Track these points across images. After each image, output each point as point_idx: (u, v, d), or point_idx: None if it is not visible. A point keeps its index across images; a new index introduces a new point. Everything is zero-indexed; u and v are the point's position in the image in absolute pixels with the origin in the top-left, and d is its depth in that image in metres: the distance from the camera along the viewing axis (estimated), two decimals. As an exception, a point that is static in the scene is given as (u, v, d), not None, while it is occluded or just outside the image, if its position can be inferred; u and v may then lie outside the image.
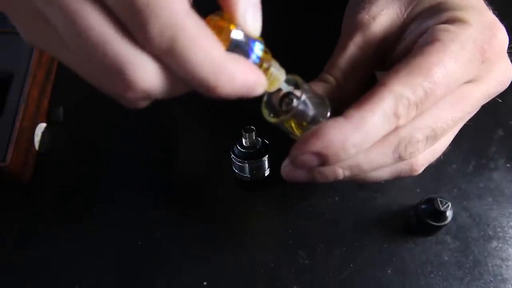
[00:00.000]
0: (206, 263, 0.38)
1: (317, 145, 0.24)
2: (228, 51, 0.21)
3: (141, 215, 0.41)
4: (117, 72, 0.19)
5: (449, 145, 0.32)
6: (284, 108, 0.26)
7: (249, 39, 0.22)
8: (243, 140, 0.37)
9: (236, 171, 0.40)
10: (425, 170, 0.31)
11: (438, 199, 0.36)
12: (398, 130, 0.26)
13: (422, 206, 0.37)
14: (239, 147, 0.37)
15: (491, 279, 0.37)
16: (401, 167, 0.29)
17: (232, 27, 0.21)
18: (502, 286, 0.36)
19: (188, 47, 0.19)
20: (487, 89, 0.28)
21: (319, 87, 0.29)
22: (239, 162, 0.38)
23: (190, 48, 0.19)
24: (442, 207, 0.36)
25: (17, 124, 0.40)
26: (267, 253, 0.38)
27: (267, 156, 0.38)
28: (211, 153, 0.44)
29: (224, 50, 0.21)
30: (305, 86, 0.26)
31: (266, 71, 0.23)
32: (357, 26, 0.30)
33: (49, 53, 0.22)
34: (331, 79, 0.29)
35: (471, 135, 0.32)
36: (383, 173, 0.29)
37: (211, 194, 0.42)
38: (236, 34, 0.21)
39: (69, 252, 0.39)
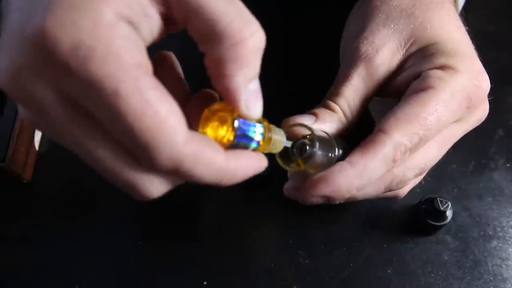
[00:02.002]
0: (206, 263, 0.38)
1: (326, 190, 0.27)
2: (234, 137, 0.23)
3: (141, 215, 0.41)
4: (130, 190, 0.22)
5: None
6: (296, 154, 0.28)
7: (250, 123, 0.24)
8: (243, 140, 0.37)
9: (236, 171, 0.40)
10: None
11: (438, 199, 0.36)
12: (392, 169, 0.29)
13: (422, 206, 0.37)
14: (239, 147, 0.37)
15: (491, 278, 0.37)
16: (388, 194, 0.33)
17: (234, 115, 0.23)
18: (502, 285, 0.36)
19: (191, 167, 0.21)
20: (467, 127, 0.32)
21: (327, 117, 0.31)
22: (239, 162, 0.38)
23: (194, 168, 0.21)
24: (442, 207, 0.36)
25: (17, 124, 0.40)
26: (267, 253, 0.38)
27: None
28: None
29: (224, 153, 0.22)
30: (316, 133, 0.28)
31: (269, 140, 0.25)
32: (360, 57, 0.32)
33: None
34: (337, 108, 0.31)
35: (471, 135, 0.33)
36: (370, 198, 0.32)
37: (211, 194, 0.41)
38: (239, 123, 0.23)
39: (69, 252, 0.39)
